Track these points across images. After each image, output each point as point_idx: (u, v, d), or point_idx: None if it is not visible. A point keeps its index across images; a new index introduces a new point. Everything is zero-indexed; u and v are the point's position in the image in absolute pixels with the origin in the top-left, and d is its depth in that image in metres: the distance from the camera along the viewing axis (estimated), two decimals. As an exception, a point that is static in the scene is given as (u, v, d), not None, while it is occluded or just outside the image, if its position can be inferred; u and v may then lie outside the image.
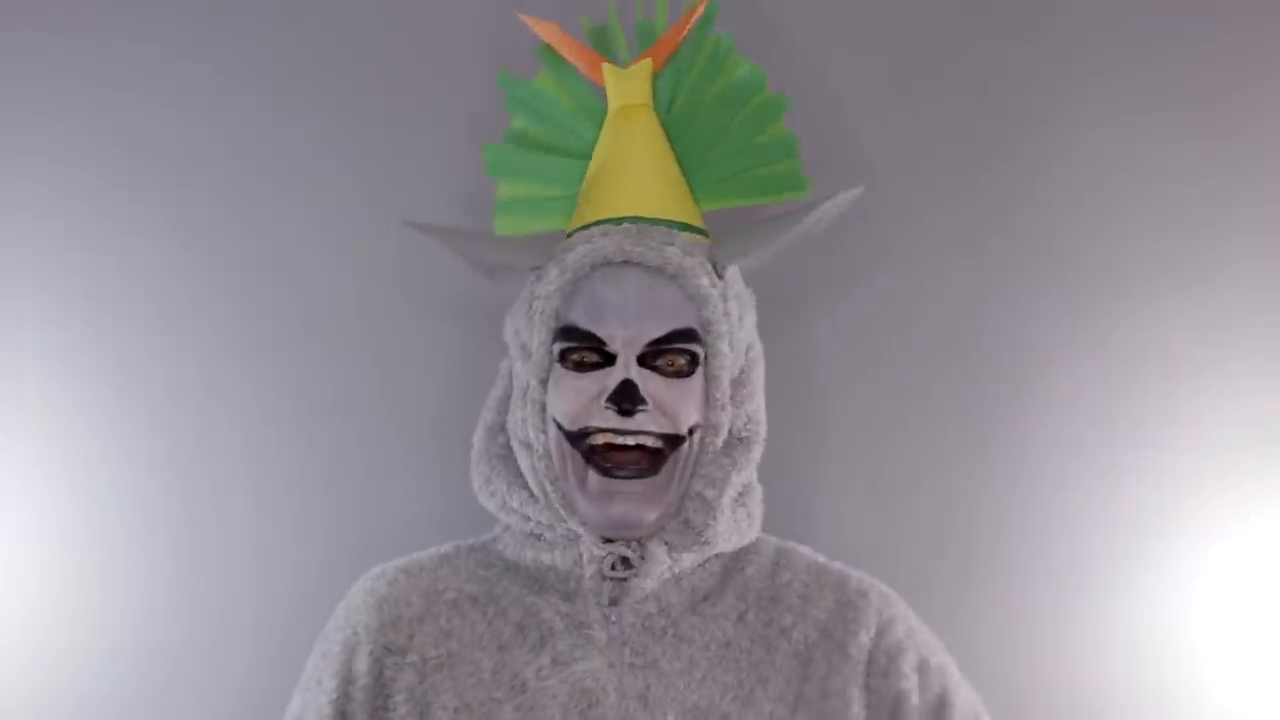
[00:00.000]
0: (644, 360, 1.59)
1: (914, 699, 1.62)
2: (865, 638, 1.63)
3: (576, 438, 1.59)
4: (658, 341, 1.59)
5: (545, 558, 1.62)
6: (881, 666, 1.62)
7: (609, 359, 1.59)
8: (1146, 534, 1.95)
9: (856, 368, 1.97)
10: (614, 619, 1.60)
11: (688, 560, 1.63)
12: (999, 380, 1.97)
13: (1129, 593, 1.95)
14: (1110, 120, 1.98)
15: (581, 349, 1.59)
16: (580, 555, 1.61)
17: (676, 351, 1.59)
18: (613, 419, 1.57)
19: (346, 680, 1.61)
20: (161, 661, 1.93)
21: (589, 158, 1.73)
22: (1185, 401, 1.96)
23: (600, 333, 1.59)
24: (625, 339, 1.58)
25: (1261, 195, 1.97)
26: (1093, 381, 1.96)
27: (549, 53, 1.76)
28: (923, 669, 1.64)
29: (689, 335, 1.59)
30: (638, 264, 1.60)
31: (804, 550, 1.71)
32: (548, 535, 1.63)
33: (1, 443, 1.94)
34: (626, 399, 1.56)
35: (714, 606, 1.63)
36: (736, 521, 1.65)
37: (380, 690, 1.61)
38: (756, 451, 1.66)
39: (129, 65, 1.97)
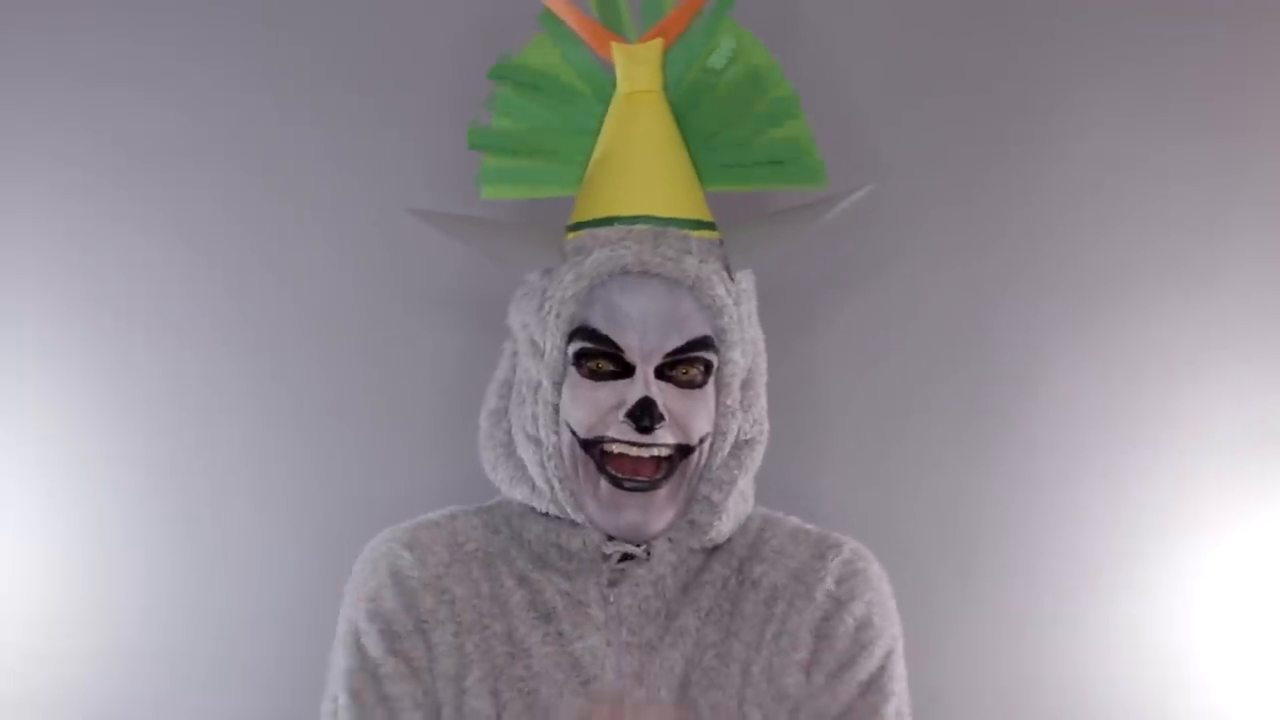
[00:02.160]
0: (660, 371, 1.59)
1: (840, 630, 1.61)
2: (830, 581, 1.64)
3: (590, 444, 1.60)
4: (675, 351, 1.59)
5: (551, 535, 1.64)
6: (828, 610, 1.63)
7: (626, 369, 1.59)
8: (1147, 534, 1.95)
9: (859, 367, 1.97)
10: (612, 599, 1.63)
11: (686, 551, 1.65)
12: (1000, 380, 1.97)
13: (1130, 592, 1.95)
14: (1111, 120, 1.98)
15: (598, 354, 1.59)
16: (584, 542, 1.63)
17: (692, 361, 1.59)
18: (630, 433, 1.57)
19: (389, 619, 1.61)
20: (162, 661, 1.93)
21: (591, 131, 1.70)
22: (1185, 402, 1.96)
23: (618, 340, 1.58)
24: (643, 351, 1.58)
25: (1262, 196, 1.97)
26: (1093, 382, 1.96)
27: (551, 19, 1.71)
28: (863, 624, 1.63)
29: (705, 344, 1.60)
30: (655, 274, 1.59)
31: (792, 519, 1.72)
32: (554, 512, 1.64)
33: (1, 443, 1.94)
34: (647, 416, 1.56)
35: (701, 578, 1.65)
36: (736, 511, 1.67)
37: (428, 620, 1.61)
38: (760, 451, 1.67)
39: (129, 65, 1.96)
